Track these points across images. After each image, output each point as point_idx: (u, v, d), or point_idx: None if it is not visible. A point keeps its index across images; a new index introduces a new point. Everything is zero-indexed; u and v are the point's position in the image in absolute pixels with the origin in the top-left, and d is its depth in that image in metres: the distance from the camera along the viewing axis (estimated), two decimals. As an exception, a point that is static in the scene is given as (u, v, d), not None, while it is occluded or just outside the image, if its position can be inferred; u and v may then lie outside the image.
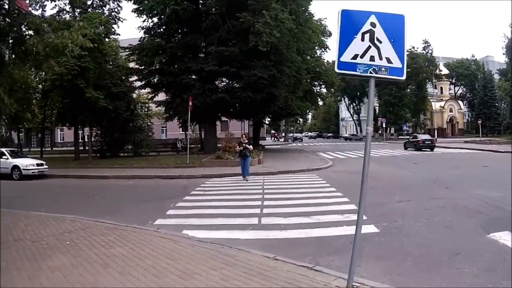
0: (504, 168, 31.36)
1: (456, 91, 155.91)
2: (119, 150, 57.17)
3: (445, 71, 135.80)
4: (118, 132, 55.90)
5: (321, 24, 77.17)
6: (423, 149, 59.98)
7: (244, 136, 31.81)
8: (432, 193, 21.10)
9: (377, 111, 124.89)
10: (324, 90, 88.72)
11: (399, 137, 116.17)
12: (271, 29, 41.92)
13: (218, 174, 32.43)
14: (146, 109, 67.42)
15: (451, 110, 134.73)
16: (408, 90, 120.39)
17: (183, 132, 72.43)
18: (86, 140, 55.24)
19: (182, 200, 21.04)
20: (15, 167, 35.65)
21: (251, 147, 31.16)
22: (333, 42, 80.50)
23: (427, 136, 68.55)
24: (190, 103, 40.22)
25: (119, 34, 58.05)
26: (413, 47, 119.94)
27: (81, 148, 60.21)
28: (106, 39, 53.64)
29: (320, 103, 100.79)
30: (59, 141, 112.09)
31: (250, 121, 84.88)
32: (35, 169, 35.75)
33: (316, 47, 75.04)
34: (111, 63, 55.53)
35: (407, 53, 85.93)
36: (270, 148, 77.26)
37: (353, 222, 12.28)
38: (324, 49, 79.06)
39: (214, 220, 16.02)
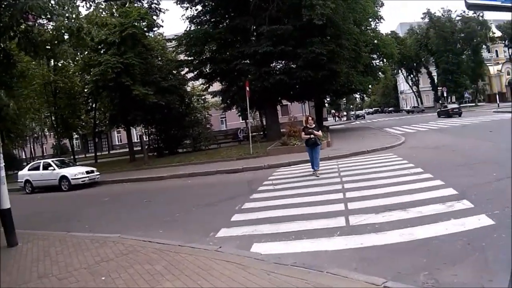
0: None
1: (510, 53, 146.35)
2: (177, 147, 55.07)
3: (498, 33, 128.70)
4: (174, 128, 53.75)
5: (371, -6, 74.44)
6: (453, 116, 68.96)
7: (309, 118, 23.76)
8: None
9: (435, 80, 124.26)
10: (382, 63, 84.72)
11: (461, 105, 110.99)
12: (324, 0, 39.06)
13: (286, 162, 29.30)
14: (202, 101, 64.70)
15: (508, 73, 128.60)
16: (464, 57, 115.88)
17: (244, 121, 69.57)
18: (140, 140, 53.37)
19: (248, 199, 18.03)
20: (63, 177, 33.53)
21: (320, 132, 24.16)
22: (386, 12, 76.96)
23: (455, 105, 79.90)
24: (248, 89, 37.51)
25: (162, 26, 55.69)
26: (464, 12, 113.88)
27: (138, 148, 58.66)
28: (150, 33, 51.59)
29: (381, 76, 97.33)
30: (117, 143, 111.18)
31: (311, 103, 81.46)
32: (85, 177, 33.52)
33: (370, 19, 70.86)
34: (159, 58, 53.49)
35: (459, 17, 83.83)
36: (334, 129, 74.33)
37: (460, 214, 11.75)
38: (379, 19, 75.10)
39: (291, 224, 12.94)
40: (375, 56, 77.51)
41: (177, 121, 52.63)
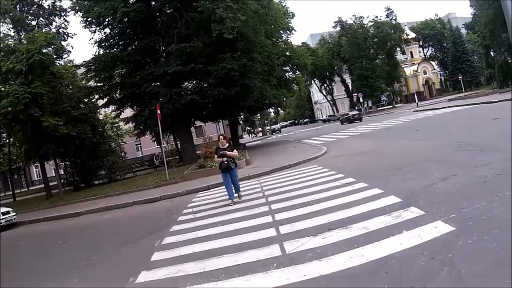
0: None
1: (425, 53, 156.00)
2: (92, 179, 52.55)
3: (412, 34, 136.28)
4: (88, 159, 51.11)
5: (282, 6, 74.20)
6: (354, 121, 77.66)
7: (222, 138, 20.82)
8: (471, 161, 16.84)
9: (350, 87, 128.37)
10: (295, 75, 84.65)
11: (378, 109, 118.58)
12: (234, 13, 38.34)
13: (205, 186, 27.59)
14: (116, 129, 62.82)
15: (425, 72, 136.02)
16: (378, 61, 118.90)
17: (158, 146, 68.00)
18: (55, 174, 50.59)
19: (169, 232, 16.06)
20: (-26, 223, 30.44)
21: (235, 152, 21.15)
22: (296, 24, 77.17)
23: (355, 112, 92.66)
24: (159, 112, 36.16)
25: (70, 52, 53.22)
26: (376, 16, 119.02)
27: (55, 183, 54.84)
28: (59, 60, 48.77)
29: (296, 88, 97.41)
30: (36, 178, 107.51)
31: (226, 121, 79.57)
32: (1, 219, 30.01)
33: (281, 30, 70.14)
34: (70, 86, 50.59)
35: (371, 23, 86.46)
36: (251, 145, 73.19)
37: (411, 223, 10.60)
38: (290, 31, 74.74)
39: (218, 260, 11.03)
40: (287, 68, 77.06)
41: (91, 151, 50.17)
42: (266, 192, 20.57)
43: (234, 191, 20.07)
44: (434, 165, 17.77)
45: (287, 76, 78.73)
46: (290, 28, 74.29)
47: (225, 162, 19.59)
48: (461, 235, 9.05)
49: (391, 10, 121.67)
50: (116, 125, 62.60)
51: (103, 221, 24.38)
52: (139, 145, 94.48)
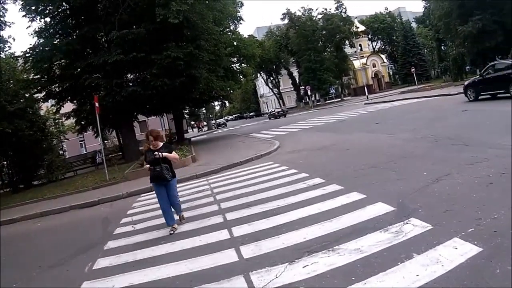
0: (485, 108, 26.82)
1: (374, 47, 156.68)
2: (32, 179, 48.26)
3: (361, 27, 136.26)
4: (27, 158, 46.64)
5: (230, -7, 72.14)
6: (279, 117, 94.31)
7: (151, 135, 13.89)
8: (460, 157, 14.67)
9: (297, 80, 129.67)
10: (242, 66, 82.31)
11: (327, 101, 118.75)
12: None
13: (147, 188, 23.77)
14: (58, 125, 59.57)
15: (374, 65, 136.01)
16: (326, 54, 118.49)
17: (103, 142, 65.06)
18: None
19: (103, 251, 12.66)
20: None
21: (174, 154, 14.31)
22: (246, 12, 75.02)
23: (279, 109, 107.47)
24: (97, 105, 32.83)
25: (7, 41, 49.67)
26: (326, 9, 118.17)
27: None
28: (-1, 53, 45.52)
29: (243, 79, 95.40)
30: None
31: (170, 115, 77.65)
32: None
33: (229, 19, 67.60)
34: (10, 80, 47.08)
35: (320, 15, 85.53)
36: (197, 140, 70.37)
37: (420, 243, 8.03)
38: (238, 21, 72.02)
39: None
40: (235, 59, 74.73)
41: (30, 149, 45.69)
42: (217, 196, 17.36)
43: (175, 210, 14.20)
44: (417, 162, 15.40)
45: (235, 68, 76.07)
46: (238, 18, 71.70)
47: (157, 170, 13.26)
48: (494, 258, 6.82)
49: (341, 3, 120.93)
50: (58, 121, 59.19)
51: (35, 231, 20.71)
52: (82, 141, 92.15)
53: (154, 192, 21.77)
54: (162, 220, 14.37)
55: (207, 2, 45.30)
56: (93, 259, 12.03)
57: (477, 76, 37.82)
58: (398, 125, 29.06)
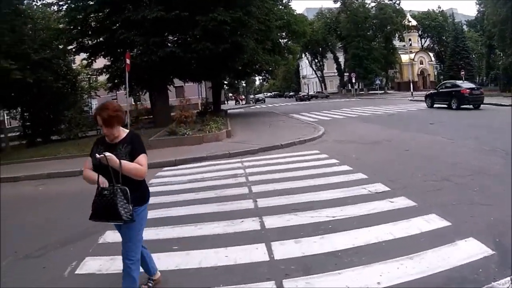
0: None
1: (423, 44, 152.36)
2: (52, 134, 46.27)
3: (413, 22, 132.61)
4: (49, 111, 45.25)
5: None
6: (304, 100, 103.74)
7: (103, 114, 6.31)
8: None
9: (342, 66, 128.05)
10: (291, 43, 79.39)
11: (369, 92, 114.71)
12: None
13: (172, 161, 21.26)
14: (91, 81, 57.44)
15: (421, 62, 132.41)
16: (375, 43, 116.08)
17: (135, 103, 62.72)
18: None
19: (96, 245, 9.63)
20: None
21: (136, 164, 6.32)
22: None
23: (305, 93, 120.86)
24: (128, 62, 30.05)
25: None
26: None
27: (13, 134, 50.28)
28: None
29: (290, 57, 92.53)
30: (8, 126, 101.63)
31: (209, 83, 73.55)
32: None
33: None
34: (44, 30, 45.15)
35: (374, 4, 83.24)
36: (234, 113, 67.16)
37: (490, 274, 6.47)
38: (289, -5, 69.48)
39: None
40: (283, 34, 71.80)
41: (53, 102, 44.28)
42: (253, 188, 13.93)
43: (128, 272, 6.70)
44: (498, 182, 12.21)
45: (282, 43, 73.15)
46: (290, -9, 68.77)
47: (105, 194, 6.19)
48: None
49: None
50: (91, 76, 57.08)
51: (32, 198, 17.26)
52: (115, 100, 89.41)
53: (179, 167, 18.57)
54: (181, 209, 11.59)
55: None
56: (79, 257, 8.99)
57: (434, 90, 51.31)
58: (456, 130, 25.69)
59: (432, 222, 9.14)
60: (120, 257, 6.58)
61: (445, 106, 44.26)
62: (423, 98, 53.11)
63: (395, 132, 26.72)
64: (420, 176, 13.72)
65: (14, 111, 49.16)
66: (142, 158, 6.50)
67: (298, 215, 10.37)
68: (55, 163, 26.02)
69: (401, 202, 10.84)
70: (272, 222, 10.11)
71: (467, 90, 42.70)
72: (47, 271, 8.42)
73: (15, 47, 36.22)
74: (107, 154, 5.99)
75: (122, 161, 6.11)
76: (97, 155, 6.05)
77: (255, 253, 8.28)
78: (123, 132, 6.69)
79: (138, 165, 6.35)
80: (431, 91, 51.99)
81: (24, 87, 37.46)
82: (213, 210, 11.60)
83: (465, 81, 54.04)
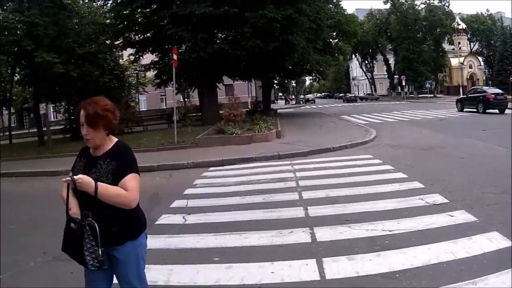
0: None
1: (471, 47, 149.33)
2: (96, 128, 46.19)
3: (462, 25, 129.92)
4: (93, 105, 44.98)
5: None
6: (351, 102, 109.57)
7: (88, 110, 4.71)
8: None
9: (392, 68, 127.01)
10: (341, 43, 79.38)
11: (419, 95, 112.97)
12: None
13: (218, 161, 20.69)
14: (139, 76, 57.89)
15: (470, 67, 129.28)
16: (424, 46, 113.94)
17: (182, 100, 63.00)
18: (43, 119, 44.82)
19: None
20: None
21: (119, 190, 4.40)
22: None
23: (352, 94, 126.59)
24: (175, 57, 29.89)
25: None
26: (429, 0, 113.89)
27: (57, 127, 51.14)
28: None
29: (340, 57, 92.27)
30: (52, 119, 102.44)
31: (258, 82, 73.79)
32: None
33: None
34: (91, 24, 45.33)
35: (424, 5, 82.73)
36: (284, 113, 66.69)
37: None
38: (340, -5, 69.14)
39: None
40: (334, 34, 71.42)
41: (99, 96, 43.65)
42: (303, 194, 13.23)
43: None
44: None
45: (332, 43, 72.88)
46: (341, -8, 68.48)
47: (72, 228, 4.43)
48: None
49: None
50: (138, 72, 57.61)
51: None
52: (164, 96, 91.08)
53: (226, 167, 18.05)
54: (225, 215, 11.12)
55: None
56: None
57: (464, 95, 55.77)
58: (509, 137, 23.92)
59: (495, 241, 8.31)
60: (153, 266, 6.16)
61: (474, 110, 47.28)
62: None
63: (448, 137, 25.97)
64: (478, 187, 12.87)
65: (59, 104, 50.11)
66: (130, 180, 4.56)
67: (352, 227, 9.73)
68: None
69: (461, 216, 10.03)
70: (323, 234, 9.42)
71: (492, 95, 46.31)
72: (75, 277, 6.94)
73: (58, 41, 36.60)
74: (77, 177, 4.31)
75: (99, 184, 4.34)
76: (63, 179, 4.45)
77: (305, 270, 7.63)
78: (110, 142, 4.88)
79: (122, 191, 4.45)
80: (462, 96, 58.10)
81: (69, 81, 37.72)
82: (260, 217, 11.09)
83: (491, 87, 59.82)
